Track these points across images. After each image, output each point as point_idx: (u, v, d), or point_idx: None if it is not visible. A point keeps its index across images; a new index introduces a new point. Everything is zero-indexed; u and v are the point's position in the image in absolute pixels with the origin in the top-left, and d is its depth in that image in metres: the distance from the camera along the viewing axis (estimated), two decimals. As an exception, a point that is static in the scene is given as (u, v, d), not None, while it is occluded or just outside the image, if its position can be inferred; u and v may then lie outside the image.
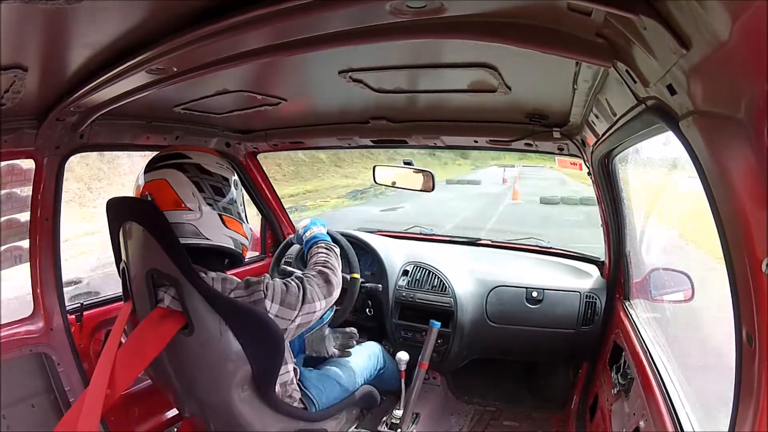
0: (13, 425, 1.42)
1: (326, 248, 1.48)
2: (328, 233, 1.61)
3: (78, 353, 1.57)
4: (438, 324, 1.79)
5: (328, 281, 1.33)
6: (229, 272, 1.25)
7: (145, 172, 1.23)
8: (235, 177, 1.31)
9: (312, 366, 1.60)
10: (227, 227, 1.24)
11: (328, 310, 1.38)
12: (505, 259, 2.31)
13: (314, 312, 1.28)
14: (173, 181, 1.19)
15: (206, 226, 1.20)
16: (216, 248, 1.23)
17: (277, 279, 1.26)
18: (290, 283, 1.27)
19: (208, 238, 1.21)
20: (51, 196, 1.47)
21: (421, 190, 2.15)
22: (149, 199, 1.18)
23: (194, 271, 1.13)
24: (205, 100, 1.49)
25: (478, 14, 0.72)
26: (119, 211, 1.23)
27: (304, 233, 1.59)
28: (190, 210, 1.19)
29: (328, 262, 1.40)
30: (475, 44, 0.91)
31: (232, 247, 1.26)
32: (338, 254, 1.48)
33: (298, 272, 1.35)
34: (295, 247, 2.09)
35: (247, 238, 1.31)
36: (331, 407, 1.45)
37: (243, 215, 1.31)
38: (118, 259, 1.26)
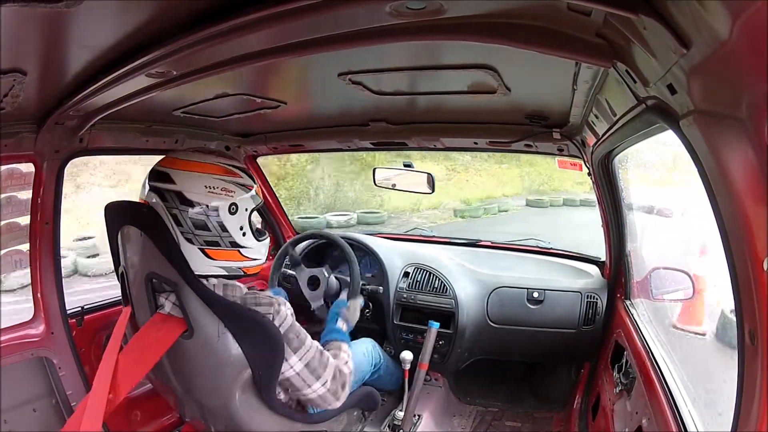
0: (14, 429, 1.42)
1: (349, 361, 1.39)
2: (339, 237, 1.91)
3: (79, 357, 1.57)
4: (437, 324, 1.79)
5: (344, 387, 1.30)
6: None
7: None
8: (235, 199, 1.17)
9: None
10: (213, 259, 1.16)
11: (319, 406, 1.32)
12: (506, 260, 2.31)
13: (309, 386, 1.22)
14: (155, 205, 1.13)
15: (189, 257, 1.14)
16: (205, 277, 1.17)
17: (296, 322, 1.21)
18: (310, 338, 1.23)
19: (193, 269, 1.14)
20: (51, 200, 1.47)
21: (421, 192, 2.16)
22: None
23: (193, 274, 1.12)
24: (205, 104, 1.49)
25: (477, 15, 0.72)
26: (118, 216, 1.21)
27: (340, 309, 1.56)
28: (173, 238, 1.13)
29: (349, 380, 1.34)
30: (474, 45, 0.91)
31: (225, 274, 1.19)
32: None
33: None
34: (296, 251, 2.08)
35: (251, 259, 1.23)
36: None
37: (249, 236, 1.21)
38: (116, 263, 1.25)
